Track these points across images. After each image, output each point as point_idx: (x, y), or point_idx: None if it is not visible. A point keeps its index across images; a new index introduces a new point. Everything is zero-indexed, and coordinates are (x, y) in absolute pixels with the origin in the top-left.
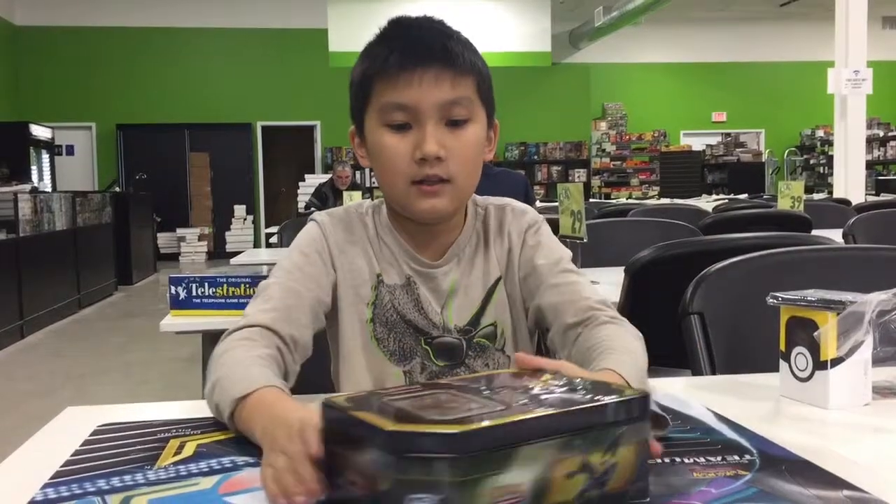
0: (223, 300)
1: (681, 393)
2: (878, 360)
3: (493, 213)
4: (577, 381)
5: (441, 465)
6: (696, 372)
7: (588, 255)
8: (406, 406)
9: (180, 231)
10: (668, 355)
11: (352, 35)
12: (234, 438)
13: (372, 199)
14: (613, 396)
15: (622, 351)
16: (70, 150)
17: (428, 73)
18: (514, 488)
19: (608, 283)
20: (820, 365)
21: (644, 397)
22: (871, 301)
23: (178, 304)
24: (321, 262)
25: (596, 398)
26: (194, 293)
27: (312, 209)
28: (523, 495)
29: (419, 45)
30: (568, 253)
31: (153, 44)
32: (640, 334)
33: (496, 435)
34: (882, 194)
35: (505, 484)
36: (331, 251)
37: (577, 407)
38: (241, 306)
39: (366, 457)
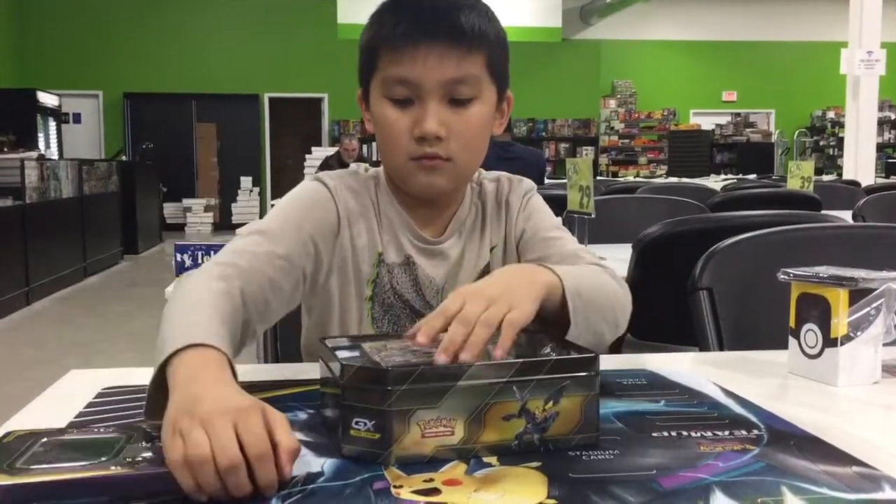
0: None
1: (689, 368)
2: (888, 341)
3: (488, 186)
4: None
5: (375, 396)
6: (704, 348)
7: (596, 231)
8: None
9: (186, 201)
10: (675, 331)
11: (360, 6)
12: None
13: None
14: (552, 353)
15: (577, 269)
16: (77, 119)
17: (434, 49)
18: (444, 422)
19: (616, 259)
20: (830, 342)
21: (592, 357)
22: (887, 280)
23: (183, 271)
24: (309, 239)
25: (540, 353)
26: (200, 261)
27: None
28: (453, 429)
29: (428, 18)
30: (557, 219)
31: (162, 12)
32: (620, 278)
33: (424, 375)
34: (892, 177)
35: (435, 417)
36: (339, 223)
37: (507, 361)
38: None
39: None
